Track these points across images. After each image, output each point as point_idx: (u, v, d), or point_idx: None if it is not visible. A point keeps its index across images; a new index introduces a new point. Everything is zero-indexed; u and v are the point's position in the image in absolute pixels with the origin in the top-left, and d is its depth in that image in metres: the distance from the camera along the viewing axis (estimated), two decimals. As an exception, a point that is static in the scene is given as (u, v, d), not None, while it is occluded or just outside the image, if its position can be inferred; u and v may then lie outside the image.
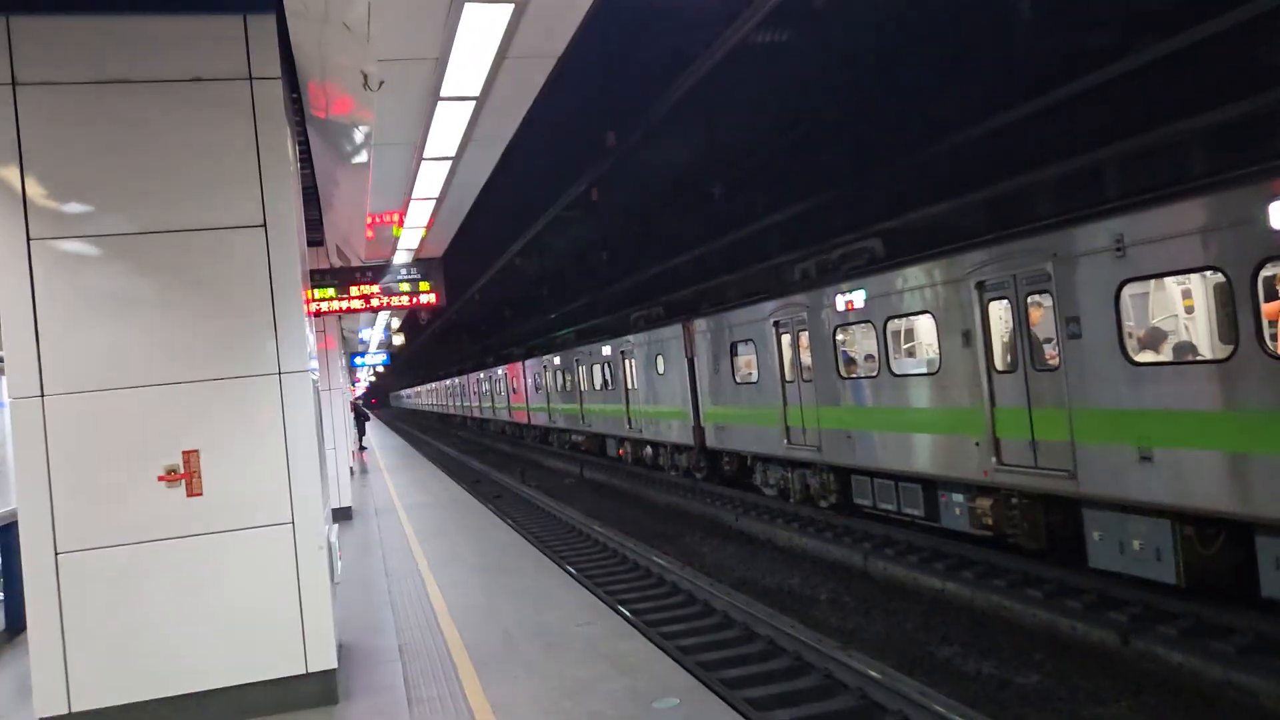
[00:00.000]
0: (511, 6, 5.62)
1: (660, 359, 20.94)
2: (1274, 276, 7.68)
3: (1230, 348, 7.80)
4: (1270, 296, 7.66)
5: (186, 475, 6.16)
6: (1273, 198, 7.16)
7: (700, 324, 18.63)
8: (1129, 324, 8.85)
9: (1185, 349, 8.81)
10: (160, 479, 6.12)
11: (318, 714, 6.35)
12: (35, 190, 6.02)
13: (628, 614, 10.52)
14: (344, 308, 12.89)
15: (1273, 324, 7.64)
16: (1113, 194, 11.66)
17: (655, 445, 22.95)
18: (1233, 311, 7.69)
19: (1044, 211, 12.16)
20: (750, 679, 8.48)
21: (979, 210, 14.71)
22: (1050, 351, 9.81)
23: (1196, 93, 11.44)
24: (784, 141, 18.66)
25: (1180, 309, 9.19)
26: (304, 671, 6.35)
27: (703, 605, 11.06)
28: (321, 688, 6.43)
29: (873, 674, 7.88)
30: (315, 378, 7.12)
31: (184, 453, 6.17)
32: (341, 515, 15.75)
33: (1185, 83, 11.73)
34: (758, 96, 16.27)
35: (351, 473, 20.53)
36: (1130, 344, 8.77)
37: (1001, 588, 10.50)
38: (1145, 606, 9.15)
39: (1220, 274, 7.85)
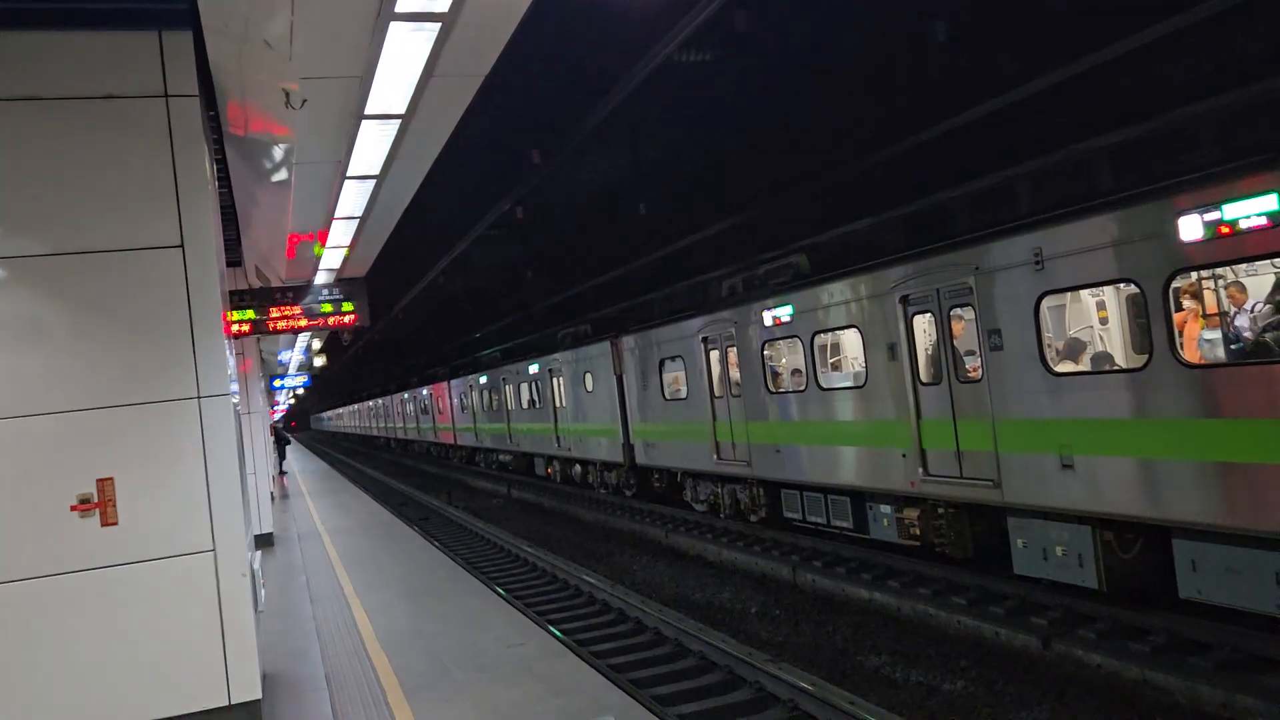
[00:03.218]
0: (438, 26, 5.56)
1: (588, 377, 20.88)
2: (1183, 288, 7.99)
3: (1145, 357, 8.07)
4: (1180, 307, 7.95)
5: (101, 504, 5.92)
6: (1182, 212, 7.44)
7: (628, 341, 18.64)
8: (1049, 335, 9.10)
9: (1102, 359, 9.08)
10: (73, 509, 5.88)
11: (242, 747, 6.16)
12: (-64, 210, 5.77)
13: (559, 634, 10.43)
14: (265, 329, 12.61)
15: (1182, 333, 7.93)
16: (1027, 210, 12.01)
17: (584, 463, 22.87)
18: (1146, 322, 7.95)
19: (962, 227, 12.48)
20: (683, 695, 8.49)
21: (900, 226, 15.03)
22: (973, 363, 10.03)
23: (1101, 112, 11.87)
24: (708, 159, 18.84)
25: (1096, 320, 9.48)
26: (227, 704, 6.14)
27: (634, 623, 11.03)
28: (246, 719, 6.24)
29: (804, 685, 7.93)
30: (236, 401, 6.93)
31: (98, 481, 5.93)
32: (263, 541, 15.31)
33: (1091, 102, 12.16)
34: (682, 115, 16.41)
35: (272, 498, 20.03)
36: (1050, 355, 9.01)
37: (927, 596, 10.68)
38: (1066, 611, 9.39)
39: (1134, 285, 8.12)
